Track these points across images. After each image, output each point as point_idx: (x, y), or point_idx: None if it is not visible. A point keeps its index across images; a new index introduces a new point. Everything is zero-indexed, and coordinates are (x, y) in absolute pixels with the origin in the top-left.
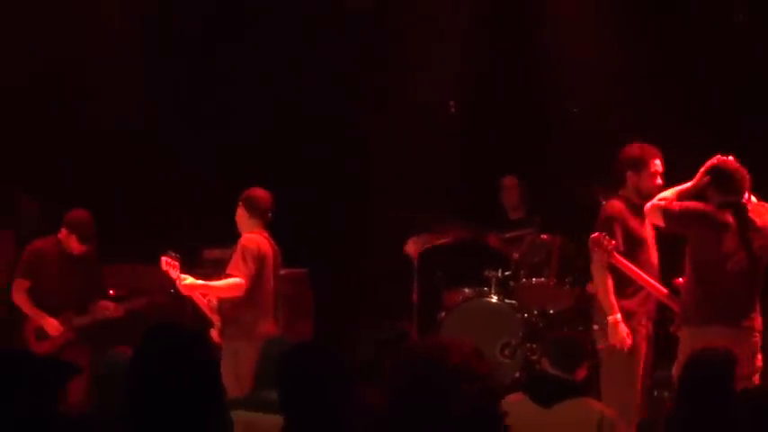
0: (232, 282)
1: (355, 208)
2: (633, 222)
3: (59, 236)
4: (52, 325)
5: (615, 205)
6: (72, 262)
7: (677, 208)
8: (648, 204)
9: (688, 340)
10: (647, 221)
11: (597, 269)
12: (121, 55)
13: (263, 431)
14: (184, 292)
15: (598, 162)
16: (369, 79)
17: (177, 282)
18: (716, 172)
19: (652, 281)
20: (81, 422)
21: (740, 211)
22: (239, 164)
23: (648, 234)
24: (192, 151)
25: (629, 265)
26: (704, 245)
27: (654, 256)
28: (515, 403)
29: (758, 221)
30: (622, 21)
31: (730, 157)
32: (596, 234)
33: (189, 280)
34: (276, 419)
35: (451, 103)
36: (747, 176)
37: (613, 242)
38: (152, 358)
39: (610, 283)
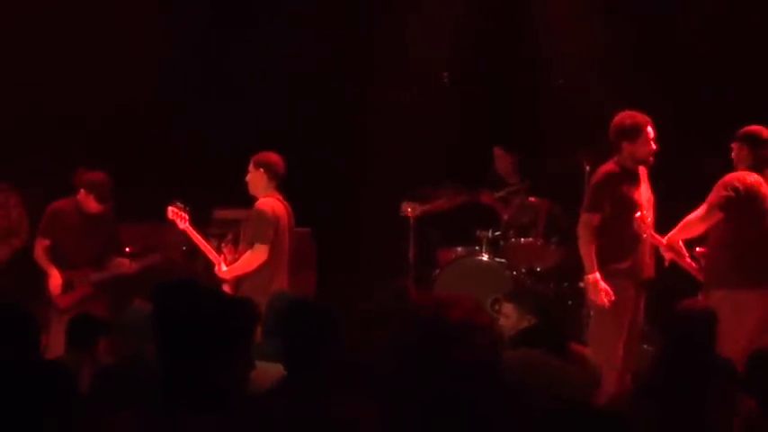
0: (257, 251)
1: (354, 172)
2: (625, 187)
3: (78, 196)
4: (54, 282)
5: (605, 172)
6: (90, 221)
7: (732, 194)
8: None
9: (720, 302)
10: (641, 186)
11: (583, 230)
12: (138, 23)
13: (270, 378)
14: (224, 278)
15: (582, 131)
16: (366, 48)
17: (187, 232)
18: (750, 137)
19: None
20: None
21: None
22: (245, 127)
23: (644, 197)
24: (203, 113)
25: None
26: (756, 218)
27: (650, 216)
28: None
29: None
30: None
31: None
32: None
33: (224, 268)
34: (279, 368)
35: (444, 73)
36: None
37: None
38: (174, 314)
39: (591, 243)
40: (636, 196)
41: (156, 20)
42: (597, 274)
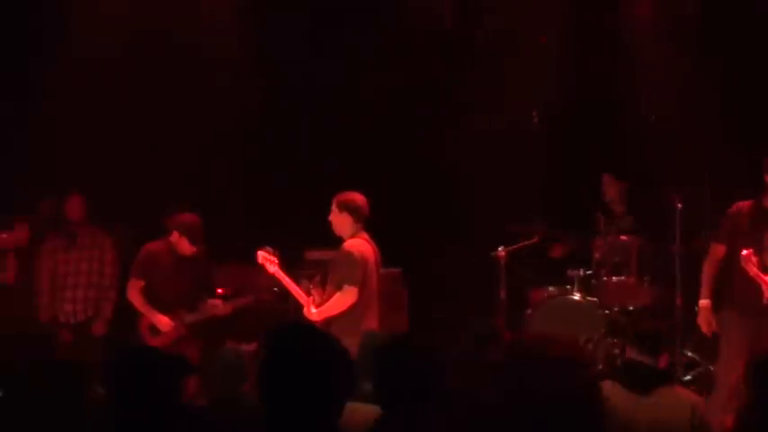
0: (346, 293)
1: (445, 212)
2: (751, 223)
3: (171, 238)
4: (163, 321)
5: (734, 205)
6: (183, 262)
7: None
8: None
9: None
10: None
11: (707, 257)
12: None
13: (361, 419)
14: (314, 321)
15: (675, 168)
16: (458, 89)
17: (277, 276)
18: None
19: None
20: (201, 415)
21: None
22: (335, 167)
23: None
24: (293, 155)
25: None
26: None
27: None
28: (608, 390)
29: None
30: (692, 34)
31: None
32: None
33: (314, 310)
34: (373, 409)
35: (534, 113)
36: None
37: None
38: (283, 356)
39: (707, 270)
40: (758, 233)
41: (245, 66)
42: (705, 302)
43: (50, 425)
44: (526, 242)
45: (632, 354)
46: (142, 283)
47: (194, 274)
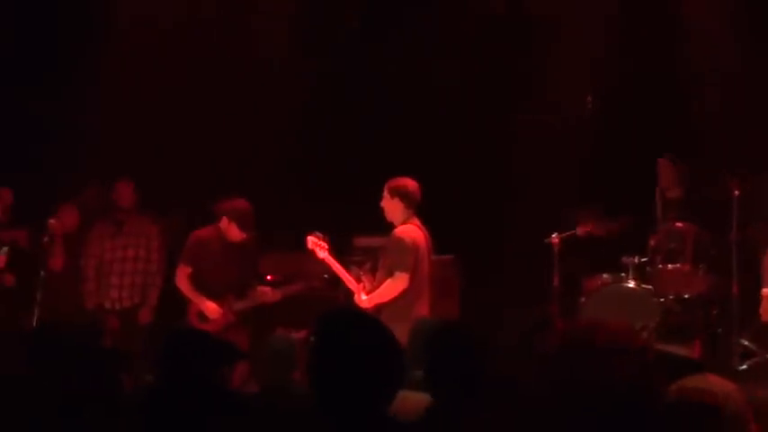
0: (397, 280)
1: (498, 197)
2: None
3: (220, 224)
4: (210, 308)
5: None
6: (232, 249)
7: None
8: None
9: None
10: None
11: None
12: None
13: (412, 407)
14: (364, 307)
15: (733, 153)
16: (512, 73)
17: (326, 262)
18: None
19: None
20: (249, 403)
21: None
22: (387, 154)
23: None
24: (345, 142)
25: None
26: None
27: None
28: None
29: None
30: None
31: None
32: None
33: (364, 297)
34: (424, 397)
35: (588, 97)
36: None
37: None
38: (333, 343)
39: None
40: None
41: (299, 49)
42: (767, 290)
43: (95, 413)
44: (580, 229)
45: (660, 345)
46: (190, 270)
47: (243, 261)
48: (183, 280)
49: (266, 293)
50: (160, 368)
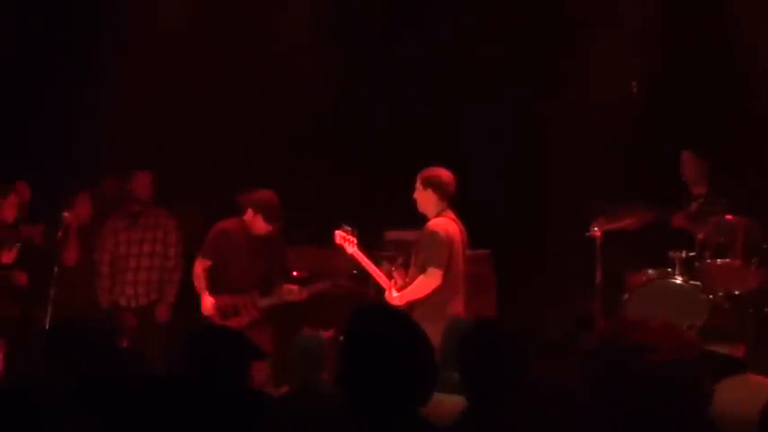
0: (430, 276)
1: (537, 190)
2: None
3: (245, 216)
4: (206, 304)
5: None
6: (257, 242)
7: None
8: None
9: None
10: None
11: None
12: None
13: (446, 411)
14: (396, 305)
15: None
16: (550, 62)
17: (356, 257)
18: None
19: None
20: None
21: None
22: (420, 144)
23: None
24: (378, 131)
25: None
26: None
27: None
28: None
29: None
30: None
31: None
32: None
33: (395, 294)
34: (459, 399)
35: (633, 83)
36: None
37: None
38: (363, 342)
39: None
40: None
41: (326, 42)
42: None
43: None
44: (623, 221)
45: (705, 345)
46: (208, 263)
47: (268, 255)
48: (199, 273)
49: (293, 291)
50: (181, 366)
